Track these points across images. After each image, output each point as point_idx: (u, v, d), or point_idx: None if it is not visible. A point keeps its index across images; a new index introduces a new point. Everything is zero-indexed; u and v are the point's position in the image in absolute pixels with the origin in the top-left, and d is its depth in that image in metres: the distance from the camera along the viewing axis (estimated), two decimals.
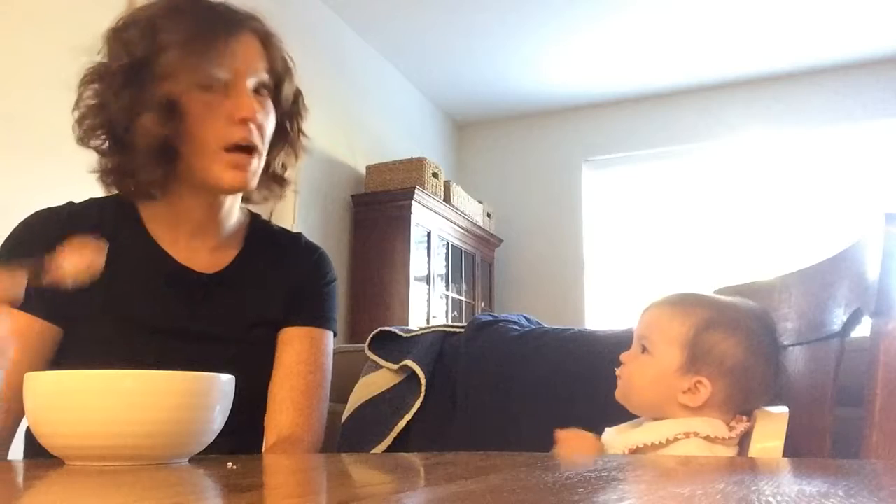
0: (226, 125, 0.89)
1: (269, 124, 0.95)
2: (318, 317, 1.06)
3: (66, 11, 2.44)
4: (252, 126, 0.91)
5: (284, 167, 1.03)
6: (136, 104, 0.87)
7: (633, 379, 0.94)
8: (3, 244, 0.96)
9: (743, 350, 0.89)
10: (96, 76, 0.91)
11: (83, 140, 0.93)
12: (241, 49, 0.91)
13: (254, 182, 0.95)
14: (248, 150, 0.92)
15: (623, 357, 0.97)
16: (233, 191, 0.95)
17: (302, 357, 1.03)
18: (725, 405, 0.89)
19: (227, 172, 0.91)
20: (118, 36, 0.90)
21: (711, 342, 0.90)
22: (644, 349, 0.94)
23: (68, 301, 0.91)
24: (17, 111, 2.26)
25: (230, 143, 0.90)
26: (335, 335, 1.10)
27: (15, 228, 0.97)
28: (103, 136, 0.92)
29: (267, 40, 0.96)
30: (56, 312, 0.92)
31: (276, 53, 0.97)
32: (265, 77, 0.95)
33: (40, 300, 0.91)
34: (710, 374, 0.88)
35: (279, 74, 0.97)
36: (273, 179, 1.03)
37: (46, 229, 0.95)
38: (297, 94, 1.03)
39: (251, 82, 0.92)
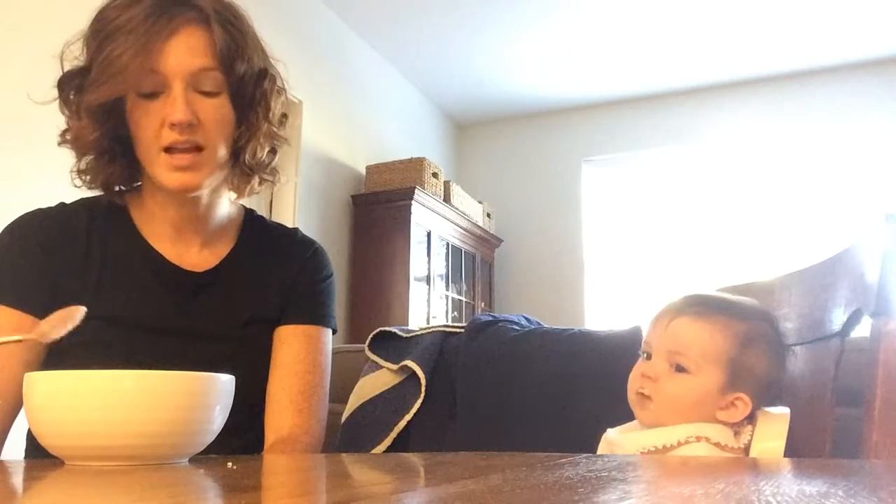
0: (160, 129, 0.89)
1: (216, 118, 0.91)
2: (315, 314, 1.05)
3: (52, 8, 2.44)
4: (186, 127, 0.88)
5: (254, 155, 0.97)
6: (79, 109, 0.91)
7: (675, 402, 0.88)
8: (16, 232, 0.96)
9: (773, 363, 0.90)
10: (61, 81, 0.93)
11: (60, 141, 0.95)
12: (175, 49, 0.88)
13: (201, 179, 0.92)
14: (188, 149, 0.90)
15: (649, 372, 0.90)
16: (181, 192, 0.93)
17: (299, 356, 1.01)
18: (748, 416, 0.89)
19: (170, 174, 0.90)
20: (85, 39, 0.91)
21: (752, 359, 0.88)
22: (679, 367, 0.89)
23: (61, 300, 0.91)
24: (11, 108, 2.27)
25: (165, 146, 0.89)
26: (334, 332, 1.09)
27: (6, 230, 0.97)
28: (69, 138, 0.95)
29: (211, 24, 0.90)
30: (48, 311, 0.92)
31: (223, 36, 0.90)
32: (209, 67, 0.90)
33: (32, 298, 0.91)
34: (747, 390, 0.87)
35: (227, 57, 0.91)
36: (244, 170, 0.98)
37: (41, 231, 0.96)
38: (262, 75, 0.96)
39: (186, 82, 0.88)
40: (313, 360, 1.03)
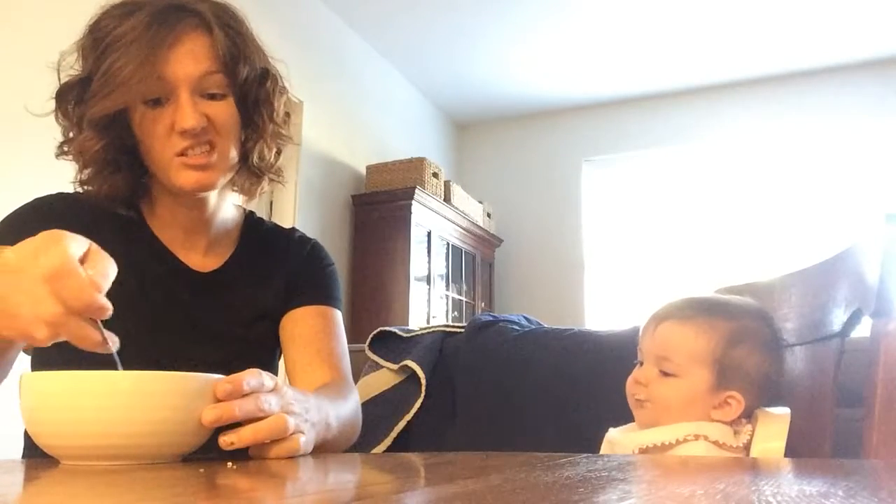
0: (169, 136, 0.89)
1: (225, 118, 0.92)
2: (324, 296, 1.07)
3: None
4: (196, 132, 0.88)
5: (262, 157, 0.98)
6: (81, 121, 0.90)
7: (667, 405, 0.90)
8: (14, 220, 0.96)
9: (766, 360, 0.90)
10: (60, 93, 0.92)
11: (58, 153, 0.95)
12: (179, 56, 0.88)
13: (216, 178, 0.92)
14: (202, 145, 0.90)
15: (641, 378, 0.93)
16: (196, 191, 0.93)
17: (317, 328, 1.03)
18: (744, 413, 0.89)
19: (186, 173, 0.90)
20: (81, 49, 0.91)
21: (739, 358, 0.89)
22: (667, 371, 0.91)
23: None
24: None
25: (178, 152, 0.90)
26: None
27: (27, 204, 0.97)
28: (68, 150, 0.94)
29: (212, 29, 0.90)
30: None
31: (224, 40, 0.91)
32: (213, 71, 0.90)
33: None
34: (739, 388, 0.88)
35: (230, 60, 0.91)
36: (252, 171, 1.00)
37: (61, 210, 0.96)
38: (265, 75, 0.96)
39: (192, 88, 0.89)
40: (333, 333, 1.04)
